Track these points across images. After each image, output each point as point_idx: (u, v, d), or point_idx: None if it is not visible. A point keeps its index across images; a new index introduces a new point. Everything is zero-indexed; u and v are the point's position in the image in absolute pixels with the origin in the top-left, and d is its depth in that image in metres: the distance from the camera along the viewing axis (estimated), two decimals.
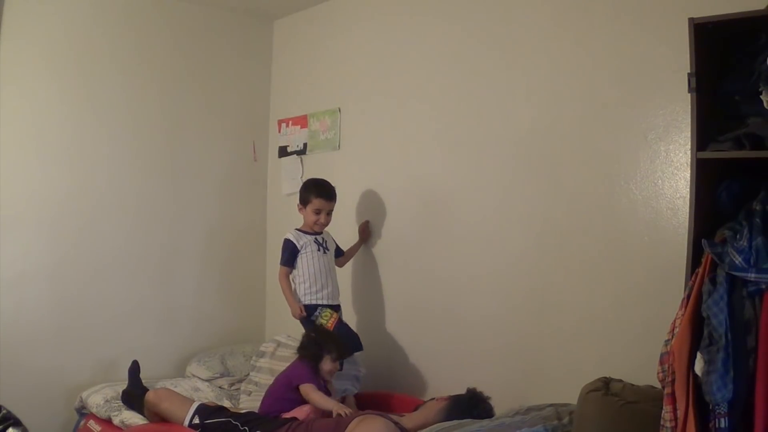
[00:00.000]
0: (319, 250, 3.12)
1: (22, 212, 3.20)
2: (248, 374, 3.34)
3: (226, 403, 3.08)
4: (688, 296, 1.74)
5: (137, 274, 3.54)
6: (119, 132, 3.49)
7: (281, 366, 3.03)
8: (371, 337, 3.27)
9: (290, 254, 3.11)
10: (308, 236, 3.14)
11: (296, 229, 3.17)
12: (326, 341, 2.84)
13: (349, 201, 3.57)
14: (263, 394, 2.97)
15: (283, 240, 3.16)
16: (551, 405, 2.42)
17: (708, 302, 1.66)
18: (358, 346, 3.08)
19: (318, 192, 3.12)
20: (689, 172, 1.85)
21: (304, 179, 3.78)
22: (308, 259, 3.10)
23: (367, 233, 3.41)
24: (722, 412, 1.60)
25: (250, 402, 3.09)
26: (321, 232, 3.18)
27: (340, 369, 2.95)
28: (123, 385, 3.03)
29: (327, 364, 2.81)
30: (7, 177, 3.15)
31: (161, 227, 3.63)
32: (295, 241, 3.11)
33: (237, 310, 3.93)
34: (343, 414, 2.60)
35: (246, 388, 3.26)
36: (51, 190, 3.29)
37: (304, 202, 3.15)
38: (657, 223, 2.42)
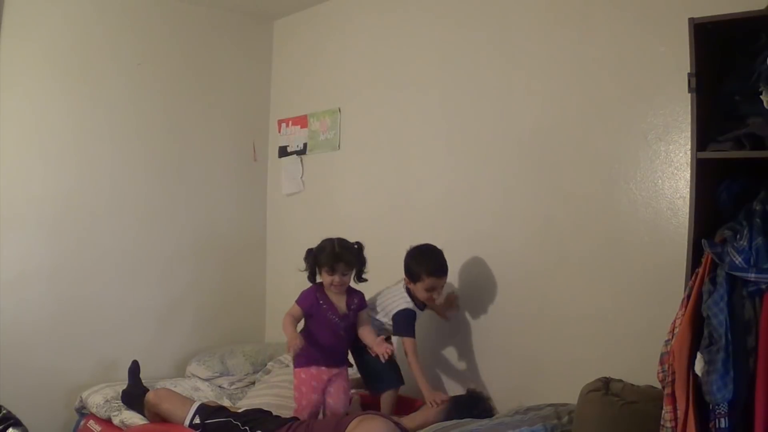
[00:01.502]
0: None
1: (22, 212, 3.20)
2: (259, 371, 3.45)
3: (226, 402, 3.08)
4: (688, 296, 1.74)
5: (137, 274, 3.55)
6: (119, 132, 3.49)
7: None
8: None
9: (410, 323, 2.79)
10: (418, 310, 2.84)
11: (411, 297, 2.82)
12: (320, 254, 2.75)
13: (349, 201, 3.57)
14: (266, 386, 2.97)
15: (399, 311, 2.80)
16: (550, 405, 2.43)
17: (708, 302, 1.66)
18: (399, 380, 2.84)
19: (430, 271, 2.75)
20: (689, 172, 1.85)
21: (305, 179, 3.80)
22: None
23: (453, 306, 2.98)
24: (722, 412, 1.60)
25: (248, 399, 3.09)
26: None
27: (360, 280, 2.80)
28: (123, 385, 3.03)
29: (324, 278, 2.74)
30: (7, 177, 3.15)
31: (161, 227, 3.63)
32: (415, 311, 2.82)
33: (237, 310, 3.92)
34: (291, 352, 2.67)
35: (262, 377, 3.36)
36: (51, 191, 3.29)
37: (413, 278, 2.79)
38: (657, 223, 2.42)
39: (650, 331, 2.14)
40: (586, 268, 2.62)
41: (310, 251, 2.80)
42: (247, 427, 2.54)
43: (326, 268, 2.74)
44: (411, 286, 2.81)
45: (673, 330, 1.76)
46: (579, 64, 2.66)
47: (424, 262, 2.78)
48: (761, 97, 1.73)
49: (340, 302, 2.80)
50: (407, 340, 2.76)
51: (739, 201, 1.79)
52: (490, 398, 2.65)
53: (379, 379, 2.82)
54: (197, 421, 2.63)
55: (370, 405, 2.94)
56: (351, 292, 2.83)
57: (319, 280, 2.81)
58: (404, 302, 2.81)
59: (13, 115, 3.17)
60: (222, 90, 3.87)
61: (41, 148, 3.27)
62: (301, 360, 2.78)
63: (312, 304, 2.78)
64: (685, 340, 1.70)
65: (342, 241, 2.78)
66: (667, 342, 1.77)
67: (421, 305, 2.85)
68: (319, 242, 2.80)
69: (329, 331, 2.78)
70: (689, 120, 1.83)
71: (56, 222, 3.30)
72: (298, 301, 2.80)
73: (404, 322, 2.78)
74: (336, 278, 2.73)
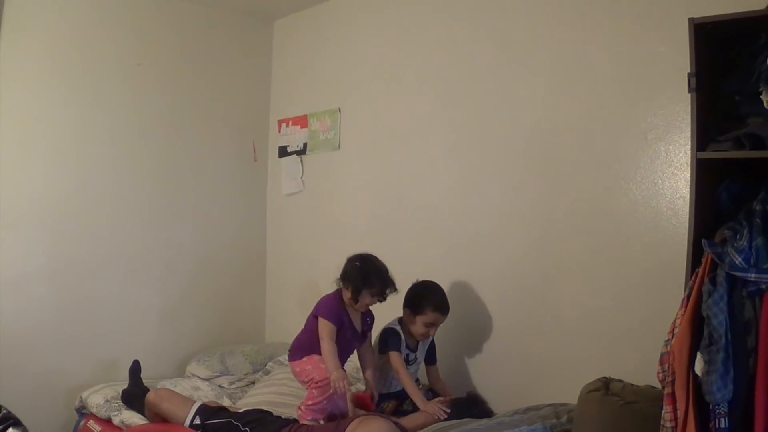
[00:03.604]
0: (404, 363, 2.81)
1: (23, 213, 3.20)
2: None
3: (226, 402, 3.09)
4: (688, 296, 1.74)
5: (138, 273, 3.55)
6: (119, 132, 3.49)
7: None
8: None
9: (393, 340, 2.79)
10: (405, 350, 2.81)
11: (401, 327, 2.83)
12: (372, 274, 2.66)
13: (349, 201, 3.57)
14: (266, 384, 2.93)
15: (385, 329, 2.84)
16: (549, 405, 2.44)
17: (708, 302, 1.66)
18: None
19: (435, 305, 2.76)
20: (689, 172, 1.85)
21: (305, 179, 3.80)
22: None
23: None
24: (722, 412, 1.60)
25: (248, 398, 3.09)
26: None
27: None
28: (123, 385, 3.03)
29: (366, 298, 2.66)
30: (8, 177, 3.15)
31: (161, 227, 3.63)
32: (401, 334, 2.80)
33: (237, 310, 3.93)
34: (337, 389, 2.51)
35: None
36: (52, 191, 3.28)
37: (414, 308, 2.78)
38: (657, 223, 2.43)
39: (650, 331, 2.14)
40: (586, 268, 2.62)
41: (357, 268, 2.67)
42: (248, 428, 2.54)
43: (375, 291, 2.65)
44: (409, 318, 2.80)
45: (673, 330, 1.76)
46: (579, 64, 2.66)
47: (431, 296, 2.78)
48: (761, 97, 1.74)
49: (357, 320, 2.76)
50: (393, 354, 2.76)
51: (739, 201, 1.79)
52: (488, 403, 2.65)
53: None
54: (198, 421, 2.63)
55: (363, 401, 2.94)
56: (365, 312, 2.81)
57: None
58: (392, 325, 2.84)
59: (13, 115, 3.16)
60: (222, 90, 3.87)
61: (41, 149, 3.26)
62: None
63: (341, 320, 2.66)
64: (685, 340, 1.70)
65: (383, 264, 2.71)
66: (667, 342, 1.77)
67: (413, 345, 2.83)
68: (359, 257, 2.71)
69: (345, 350, 2.72)
70: (689, 120, 1.83)
71: (56, 222, 3.29)
72: (327, 317, 2.64)
73: (389, 339, 2.79)
74: (375, 301, 2.69)
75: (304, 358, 2.72)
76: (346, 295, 2.70)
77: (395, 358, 2.76)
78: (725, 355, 1.60)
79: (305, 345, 2.74)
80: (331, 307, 2.69)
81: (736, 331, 1.62)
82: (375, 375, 2.80)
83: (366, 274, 2.66)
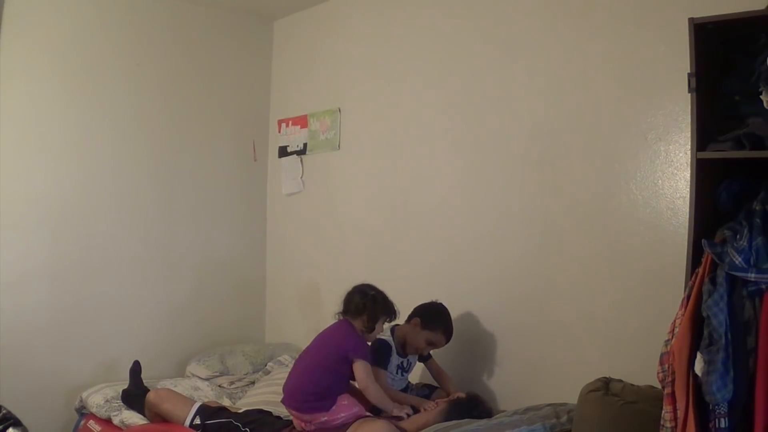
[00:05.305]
0: (396, 372, 2.81)
1: (22, 213, 3.20)
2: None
3: (226, 402, 3.09)
4: (688, 296, 1.74)
5: (137, 274, 3.55)
6: (119, 132, 3.49)
7: None
8: None
9: (384, 355, 2.76)
10: (399, 358, 2.81)
11: (393, 339, 2.81)
12: (387, 302, 2.66)
13: (349, 201, 3.57)
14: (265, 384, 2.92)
15: (377, 339, 2.75)
16: (549, 405, 2.44)
17: (708, 302, 1.66)
18: None
19: (447, 330, 2.78)
20: (689, 172, 1.85)
21: (305, 179, 3.80)
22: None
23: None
24: (722, 412, 1.60)
25: (248, 398, 3.09)
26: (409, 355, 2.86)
27: None
28: (123, 385, 3.04)
29: (381, 325, 2.65)
30: (8, 177, 3.16)
31: (161, 227, 3.64)
32: (391, 346, 2.79)
33: (237, 310, 3.93)
34: (404, 415, 2.52)
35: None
36: (51, 191, 3.29)
37: (427, 322, 2.77)
38: (657, 223, 2.42)
39: (650, 331, 2.14)
40: (586, 268, 2.62)
41: (373, 298, 2.63)
42: (247, 429, 2.54)
43: (388, 318, 2.66)
44: (414, 329, 2.78)
45: (673, 330, 1.76)
46: (579, 64, 2.66)
47: (447, 321, 2.80)
48: (761, 97, 1.73)
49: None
50: (381, 372, 2.72)
51: (739, 201, 1.79)
52: (489, 403, 2.66)
53: None
54: (198, 421, 2.64)
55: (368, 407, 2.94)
56: None
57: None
58: (384, 336, 2.79)
59: (13, 115, 3.17)
60: (222, 90, 3.87)
61: (41, 149, 3.27)
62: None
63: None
64: (685, 340, 1.70)
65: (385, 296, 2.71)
66: (667, 342, 1.77)
67: (402, 352, 2.82)
68: (370, 288, 2.68)
69: None
70: (689, 120, 1.83)
71: (56, 222, 3.30)
72: (371, 360, 2.60)
73: (381, 353, 2.75)
74: (384, 326, 2.70)
75: (333, 408, 2.53)
76: (359, 326, 2.62)
77: (382, 377, 2.74)
78: (725, 355, 1.60)
79: (327, 392, 2.55)
80: (364, 345, 2.62)
81: (736, 331, 1.62)
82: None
83: (384, 304, 2.65)
